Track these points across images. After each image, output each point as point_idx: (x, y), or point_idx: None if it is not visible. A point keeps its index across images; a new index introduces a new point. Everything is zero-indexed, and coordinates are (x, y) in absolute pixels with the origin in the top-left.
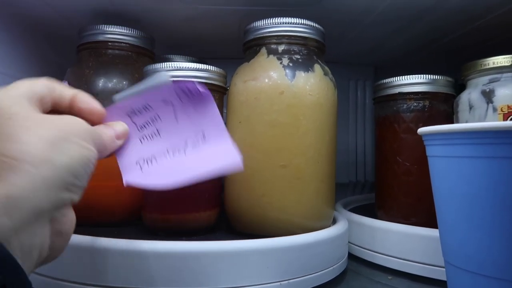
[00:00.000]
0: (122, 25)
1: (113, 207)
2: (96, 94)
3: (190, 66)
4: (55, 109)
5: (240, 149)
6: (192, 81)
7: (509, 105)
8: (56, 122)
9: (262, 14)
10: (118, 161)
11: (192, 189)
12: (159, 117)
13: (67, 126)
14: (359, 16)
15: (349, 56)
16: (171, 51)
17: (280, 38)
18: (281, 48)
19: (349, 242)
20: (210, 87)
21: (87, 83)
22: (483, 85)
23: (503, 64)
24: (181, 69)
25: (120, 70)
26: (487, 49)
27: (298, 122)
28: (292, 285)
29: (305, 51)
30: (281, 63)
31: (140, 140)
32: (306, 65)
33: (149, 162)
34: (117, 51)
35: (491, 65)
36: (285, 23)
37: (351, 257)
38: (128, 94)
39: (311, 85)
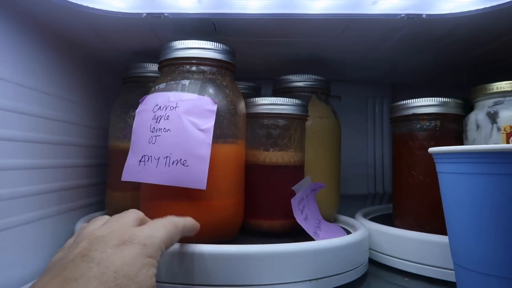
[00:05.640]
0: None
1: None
2: None
3: (291, 102)
4: None
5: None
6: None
7: (511, 125)
8: None
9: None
10: None
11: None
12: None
13: None
14: (377, 43)
15: (368, 77)
16: None
17: (323, 89)
18: (322, 96)
19: (370, 248)
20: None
21: None
22: (489, 107)
23: (506, 89)
24: (281, 104)
25: None
26: (496, 70)
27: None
28: (320, 284)
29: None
30: (326, 104)
31: None
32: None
33: None
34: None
35: (495, 90)
36: (320, 79)
37: (372, 262)
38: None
39: (338, 121)
